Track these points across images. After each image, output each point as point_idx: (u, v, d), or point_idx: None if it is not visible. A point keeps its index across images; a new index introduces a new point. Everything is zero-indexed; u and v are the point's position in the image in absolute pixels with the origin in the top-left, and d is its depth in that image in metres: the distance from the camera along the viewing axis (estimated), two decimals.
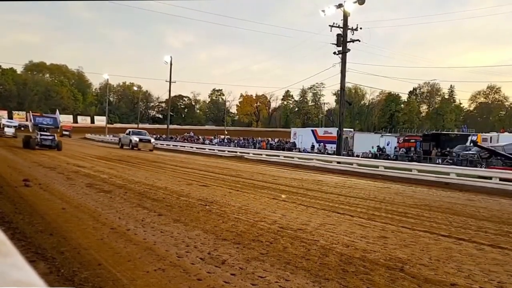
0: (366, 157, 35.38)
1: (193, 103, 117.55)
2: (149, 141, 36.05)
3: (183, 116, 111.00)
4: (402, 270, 4.86)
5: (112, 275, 4.25)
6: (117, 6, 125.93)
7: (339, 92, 30.87)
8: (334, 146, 34.73)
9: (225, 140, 57.35)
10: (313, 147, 46.63)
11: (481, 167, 23.15)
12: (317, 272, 4.65)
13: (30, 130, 28.95)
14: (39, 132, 27.08)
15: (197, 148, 40.64)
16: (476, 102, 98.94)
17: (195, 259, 4.87)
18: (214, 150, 37.59)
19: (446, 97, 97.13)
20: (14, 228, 6.08)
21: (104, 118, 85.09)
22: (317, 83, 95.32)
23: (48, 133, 27.24)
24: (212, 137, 59.49)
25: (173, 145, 44.79)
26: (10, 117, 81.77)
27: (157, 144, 46.91)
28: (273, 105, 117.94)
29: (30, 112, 29.58)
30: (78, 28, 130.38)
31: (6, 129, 46.85)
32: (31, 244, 5.26)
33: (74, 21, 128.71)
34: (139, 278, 4.21)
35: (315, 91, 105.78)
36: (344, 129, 33.18)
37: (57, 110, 33.32)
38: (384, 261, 5.18)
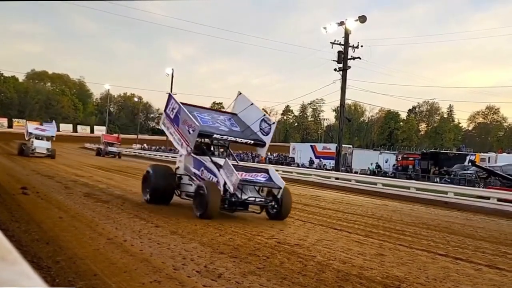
0: (364, 174, 35.37)
1: None
2: None
3: None
4: None
5: (108, 286, 4.23)
6: (120, 18, 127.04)
7: (338, 108, 31.03)
8: (333, 162, 34.74)
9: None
10: (312, 162, 46.57)
11: (479, 187, 23.14)
12: None
13: (182, 150, 10.23)
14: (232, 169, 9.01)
15: None
16: (475, 122, 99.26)
17: (192, 272, 4.84)
18: None
19: (445, 116, 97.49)
20: (10, 236, 6.04)
21: (104, 128, 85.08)
22: (317, 99, 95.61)
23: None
24: None
25: (172, 157, 44.72)
26: (9, 125, 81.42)
27: (156, 155, 46.93)
28: (273, 119, 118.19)
29: (173, 98, 11.39)
30: (81, 39, 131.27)
31: (36, 143, 28.25)
32: (27, 252, 5.23)
33: (77, 32, 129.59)
34: None
35: (315, 107, 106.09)
36: (343, 145, 33.25)
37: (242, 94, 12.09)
38: (381, 279, 5.16)
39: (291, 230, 8.23)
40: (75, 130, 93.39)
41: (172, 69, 53.85)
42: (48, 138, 29.90)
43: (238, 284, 4.53)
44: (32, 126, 31.37)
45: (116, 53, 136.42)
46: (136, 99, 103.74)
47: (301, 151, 52.48)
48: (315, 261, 5.80)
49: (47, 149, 28.19)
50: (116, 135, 51.17)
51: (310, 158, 47.81)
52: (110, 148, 41.43)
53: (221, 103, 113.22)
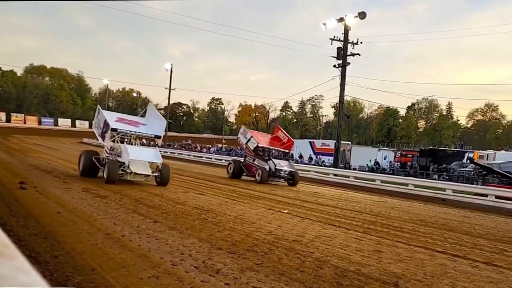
0: (363, 171, 35.41)
1: (192, 111, 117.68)
2: None
3: (181, 123, 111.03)
4: (396, 285, 4.85)
5: (106, 281, 4.23)
6: (119, 13, 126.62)
7: (337, 104, 31.00)
8: (331, 158, 34.78)
9: (223, 149, 57.29)
10: (303, 157, 46.56)
11: (477, 184, 23.18)
12: (312, 284, 4.63)
13: None
14: None
15: (194, 156, 40.61)
16: (474, 119, 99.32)
17: (190, 268, 4.85)
18: (211, 158, 37.57)
19: (444, 113, 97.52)
20: (8, 230, 6.04)
21: None
22: (316, 95, 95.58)
23: None
24: (210, 146, 59.37)
25: (171, 152, 44.74)
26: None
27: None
28: (272, 115, 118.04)
29: None
30: (80, 34, 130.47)
31: (131, 152, 13.27)
32: (25, 247, 5.23)
33: (76, 27, 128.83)
34: (132, 285, 4.19)
35: (314, 103, 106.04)
36: (342, 142, 33.27)
37: None
38: (379, 276, 5.17)
39: (289, 226, 8.24)
40: (73, 125, 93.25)
41: (171, 65, 53.83)
42: (146, 141, 16.70)
43: (236, 280, 4.54)
44: (112, 116, 15.57)
45: (114, 48, 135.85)
46: (134, 94, 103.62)
47: (300, 148, 52.52)
48: (313, 257, 5.81)
49: (152, 164, 14.04)
50: (281, 134, 21.68)
51: (301, 153, 47.79)
52: (278, 163, 19.01)
53: (220, 99, 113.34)
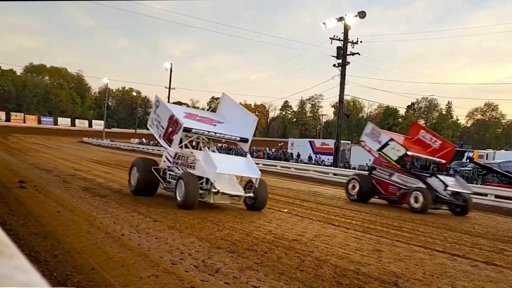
0: (363, 170, 35.35)
1: None
2: None
3: None
4: (396, 285, 4.85)
5: (105, 280, 4.23)
6: (118, 12, 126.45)
7: (337, 104, 31.00)
8: (331, 157, 34.79)
9: (222, 148, 57.26)
10: (300, 156, 46.60)
11: (477, 184, 23.17)
12: (311, 283, 4.64)
13: None
14: None
15: None
16: (473, 118, 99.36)
17: (189, 267, 4.85)
18: None
19: (444, 113, 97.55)
20: (8, 229, 6.04)
21: (102, 122, 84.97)
22: (315, 95, 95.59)
23: None
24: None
25: None
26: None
27: (154, 150, 46.88)
28: (272, 115, 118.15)
29: None
30: (79, 33, 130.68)
31: (220, 164, 9.16)
32: (25, 246, 5.23)
33: (75, 26, 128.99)
34: (132, 284, 4.19)
35: (313, 103, 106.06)
36: (342, 141, 33.26)
37: None
38: (378, 275, 5.17)
39: (289, 225, 8.25)
40: (73, 124, 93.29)
41: (171, 64, 53.82)
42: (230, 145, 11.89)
43: (235, 279, 4.54)
44: (179, 111, 11.30)
45: (114, 47, 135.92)
46: (134, 94, 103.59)
47: (299, 147, 52.53)
48: (313, 257, 5.81)
49: (240, 180, 10.41)
50: (427, 135, 16.00)
51: (298, 153, 47.90)
52: (446, 181, 13.03)
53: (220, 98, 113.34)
